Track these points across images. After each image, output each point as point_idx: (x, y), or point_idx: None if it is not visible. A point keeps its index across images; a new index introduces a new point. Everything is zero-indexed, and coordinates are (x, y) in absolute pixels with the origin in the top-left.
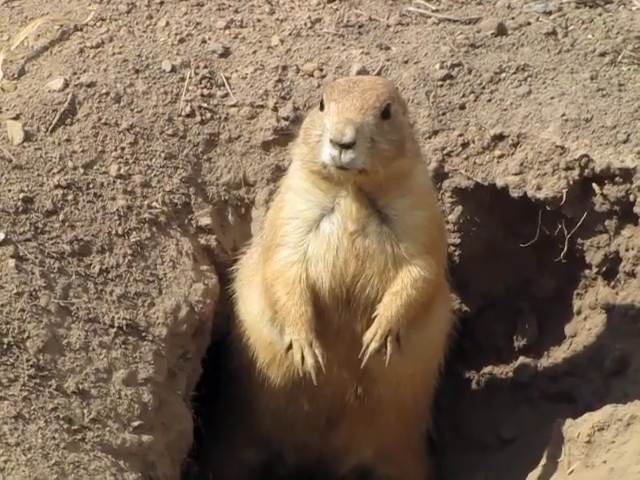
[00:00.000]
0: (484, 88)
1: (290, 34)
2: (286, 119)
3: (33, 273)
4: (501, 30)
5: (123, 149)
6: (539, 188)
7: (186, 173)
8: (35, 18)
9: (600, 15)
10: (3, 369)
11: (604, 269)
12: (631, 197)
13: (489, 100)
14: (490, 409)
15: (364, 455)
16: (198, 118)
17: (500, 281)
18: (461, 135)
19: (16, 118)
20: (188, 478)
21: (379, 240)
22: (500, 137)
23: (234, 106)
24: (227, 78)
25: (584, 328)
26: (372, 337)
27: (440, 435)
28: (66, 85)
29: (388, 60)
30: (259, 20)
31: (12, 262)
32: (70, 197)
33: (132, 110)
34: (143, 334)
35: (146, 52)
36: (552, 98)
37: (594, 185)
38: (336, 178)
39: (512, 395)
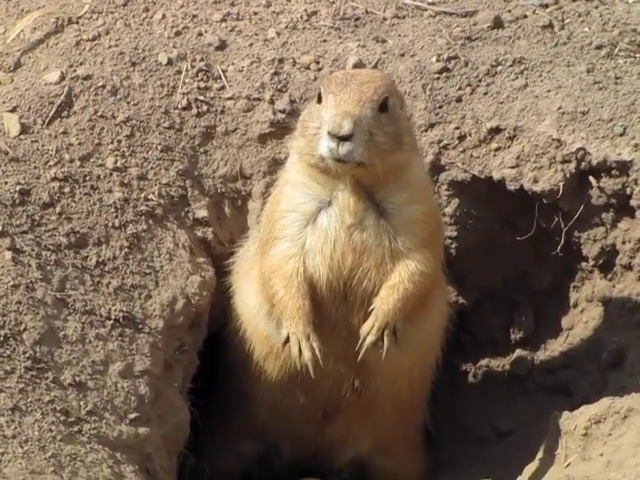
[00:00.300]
0: (480, 81)
1: (286, 27)
2: (282, 112)
3: (30, 265)
4: (497, 23)
5: (119, 142)
6: (536, 181)
7: (182, 166)
8: (31, 11)
9: (596, 8)
10: (0, 361)
11: (601, 262)
12: (628, 190)
13: (485, 93)
14: (487, 402)
15: (360, 448)
16: (194, 111)
17: (497, 274)
18: (458, 128)
19: (13, 111)
20: (184, 470)
21: (376, 233)
22: (497, 130)
23: (230, 99)
24: (223, 71)
25: (581, 321)
26: (369, 330)
27: (437, 428)
28: (62, 78)
29: (384, 53)
30: (255, 13)
31: (9, 254)
32: (67, 189)
33: (128, 103)
34: (140, 326)
35: (142, 45)
36: (548, 91)
37: (591, 178)
38: (334, 171)
39: (509, 388)
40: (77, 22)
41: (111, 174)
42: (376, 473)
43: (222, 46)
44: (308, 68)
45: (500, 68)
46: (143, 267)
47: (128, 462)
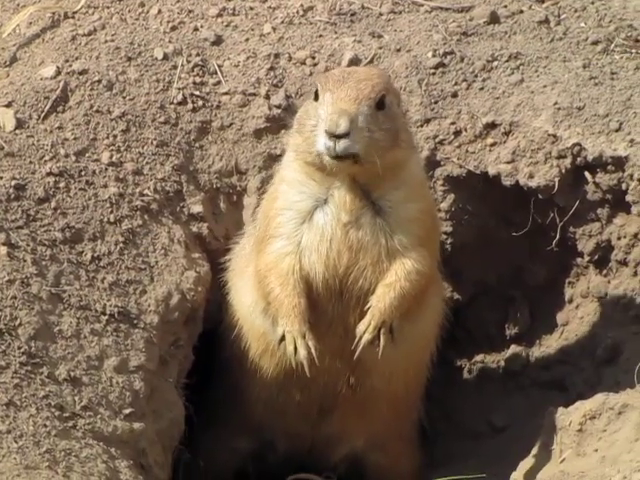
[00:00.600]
0: (476, 76)
1: (282, 22)
2: (278, 107)
3: (25, 260)
4: (494, 18)
5: (115, 137)
6: (531, 176)
7: (178, 161)
8: (27, 5)
9: (593, 3)
10: None
11: (596, 257)
12: (623, 185)
13: (481, 88)
14: (482, 397)
15: (356, 444)
16: (190, 106)
17: (492, 269)
18: (453, 123)
19: (8, 105)
20: (179, 465)
21: (373, 232)
22: (492, 125)
23: (226, 94)
24: (219, 66)
25: (576, 316)
26: (365, 329)
27: (432, 423)
28: (58, 72)
29: (380, 48)
30: (251, 8)
31: (4, 249)
32: (62, 185)
33: (124, 98)
34: (135, 322)
35: (138, 40)
36: (544, 86)
37: (586, 173)
38: (330, 169)
39: (504, 383)
40: (73, 17)
41: (106, 169)
42: (371, 469)
43: (218, 41)
44: (304, 63)
45: (496, 63)
46: (138, 262)
47: (123, 457)
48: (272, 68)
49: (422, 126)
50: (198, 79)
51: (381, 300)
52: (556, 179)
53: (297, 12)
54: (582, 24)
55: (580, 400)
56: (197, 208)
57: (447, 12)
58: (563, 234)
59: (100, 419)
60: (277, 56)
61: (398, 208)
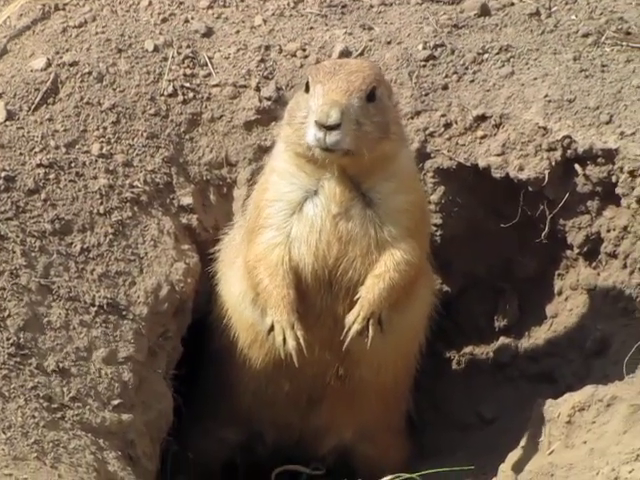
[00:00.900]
0: (467, 69)
1: (273, 14)
2: (268, 99)
3: (14, 252)
4: (484, 11)
5: (105, 128)
6: (521, 169)
7: (168, 152)
8: None
9: None
10: None
11: (585, 250)
12: (613, 178)
13: (472, 81)
14: (471, 389)
15: (344, 435)
16: (180, 98)
17: (481, 261)
18: (444, 116)
19: None
20: (167, 456)
21: (362, 223)
22: (483, 118)
23: (216, 86)
24: (210, 58)
25: (565, 309)
26: (354, 319)
27: (420, 415)
28: (48, 64)
29: (371, 40)
30: (242, 0)
31: None
32: (52, 176)
33: (114, 89)
34: (124, 313)
35: (129, 31)
36: (535, 79)
37: (576, 166)
38: (320, 160)
39: (493, 375)
40: (63, 9)
41: (96, 161)
42: (360, 460)
43: (208, 33)
44: (294, 55)
45: (487, 56)
46: (127, 254)
47: (111, 448)
48: (263, 60)
49: (412, 118)
50: (188, 71)
51: (370, 291)
52: (546, 171)
53: (288, 4)
54: (573, 17)
55: (569, 392)
56: (187, 200)
57: (438, 4)
58: (553, 226)
59: (89, 410)
60: (268, 48)
61: (388, 200)
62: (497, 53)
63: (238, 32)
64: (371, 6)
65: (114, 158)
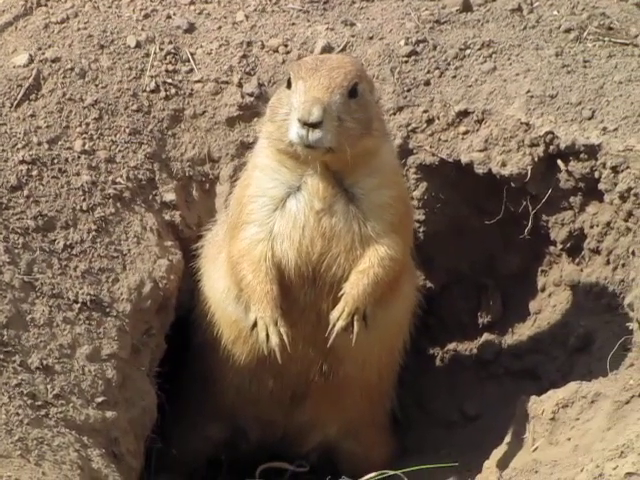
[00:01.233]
0: (449, 64)
1: (255, 10)
2: (251, 95)
3: None
4: (466, 6)
5: (88, 125)
6: (504, 164)
7: (150, 149)
8: None
9: None
10: None
11: (569, 246)
12: (596, 174)
13: (454, 76)
14: (454, 386)
15: (329, 432)
16: (163, 94)
17: (465, 258)
18: (426, 111)
19: None
20: (151, 454)
21: (346, 219)
22: (465, 113)
23: (199, 82)
24: (192, 54)
25: (549, 305)
26: (339, 315)
27: (404, 412)
28: (31, 60)
29: (353, 36)
30: None
31: None
32: (34, 172)
33: (97, 86)
34: (107, 310)
35: (111, 27)
36: (517, 74)
37: (559, 162)
38: (303, 157)
39: (476, 372)
40: (46, 5)
41: (79, 157)
42: (344, 457)
43: (191, 29)
44: (276, 51)
45: (469, 51)
46: (111, 250)
47: (95, 446)
48: (245, 56)
49: (395, 114)
50: (171, 67)
51: (354, 287)
52: (529, 167)
53: (270, 0)
54: (555, 12)
55: (553, 389)
56: (170, 196)
57: (420, 0)
58: (536, 222)
59: (72, 407)
60: (250, 44)
61: (371, 195)
62: (479, 49)
63: (220, 28)
64: (353, 2)
65: (97, 154)
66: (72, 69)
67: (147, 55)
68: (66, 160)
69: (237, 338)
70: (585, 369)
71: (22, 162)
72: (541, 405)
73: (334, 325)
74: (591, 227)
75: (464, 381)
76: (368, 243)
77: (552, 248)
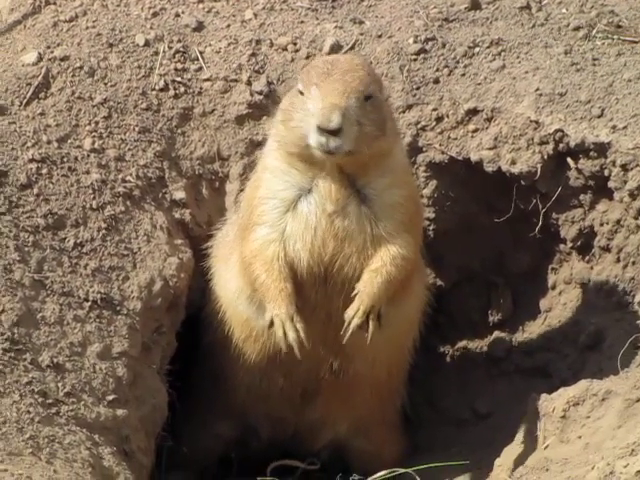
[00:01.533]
0: (458, 62)
1: (264, 8)
2: (260, 93)
3: (7, 247)
4: (475, 4)
5: (97, 123)
6: (513, 162)
7: (160, 147)
8: None
9: None
10: None
11: (579, 244)
12: (606, 172)
13: (463, 74)
14: (465, 384)
15: (339, 430)
16: (172, 92)
17: (475, 256)
18: (435, 109)
19: None
20: (162, 451)
21: (358, 220)
22: (474, 111)
23: (208, 80)
24: (201, 52)
25: (559, 303)
26: (354, 314)
27: (415, 410)
28: (40, 59)
29: (362, 34)
30: None
31: None
32: (44, 171)
33: (106, 84)
34: (117, 308)
35: (120, 26)
36: (526, 72)
37: (569, 160)
38: (320, 161)
39: (487, 370)
40: (54, 3)
41: (88, 155)
42: (354, 455)
43: (199, 27)
44: (285, 49)
45: (477, 49)
46: (121, 249)
47: (106, 444)
48: (254, 54)
49: (404, 112)
50: (180, 65)
51: (368, 285)
52: (538, 165)
53: None
54: (564, 10)
55: (563, 387)
56: (179, 194)
57: None
58: (546, 220)
59: (83, 405)
60: (258, 42)
61: (383, 195)
62: (488, 47)
63: (229, 26)
64: (362, 0)
65: (106, 153)
66: (81, 67)
67: (156, 53)
68: (76, 158)
69: (248, 337)
70: (596, 367)
71: (32, 160)
72: (552, 403)
73: (349, 323)
74: (601, 225)
75: (475, 379)
76: (380, 243)
77: (562, 246)
